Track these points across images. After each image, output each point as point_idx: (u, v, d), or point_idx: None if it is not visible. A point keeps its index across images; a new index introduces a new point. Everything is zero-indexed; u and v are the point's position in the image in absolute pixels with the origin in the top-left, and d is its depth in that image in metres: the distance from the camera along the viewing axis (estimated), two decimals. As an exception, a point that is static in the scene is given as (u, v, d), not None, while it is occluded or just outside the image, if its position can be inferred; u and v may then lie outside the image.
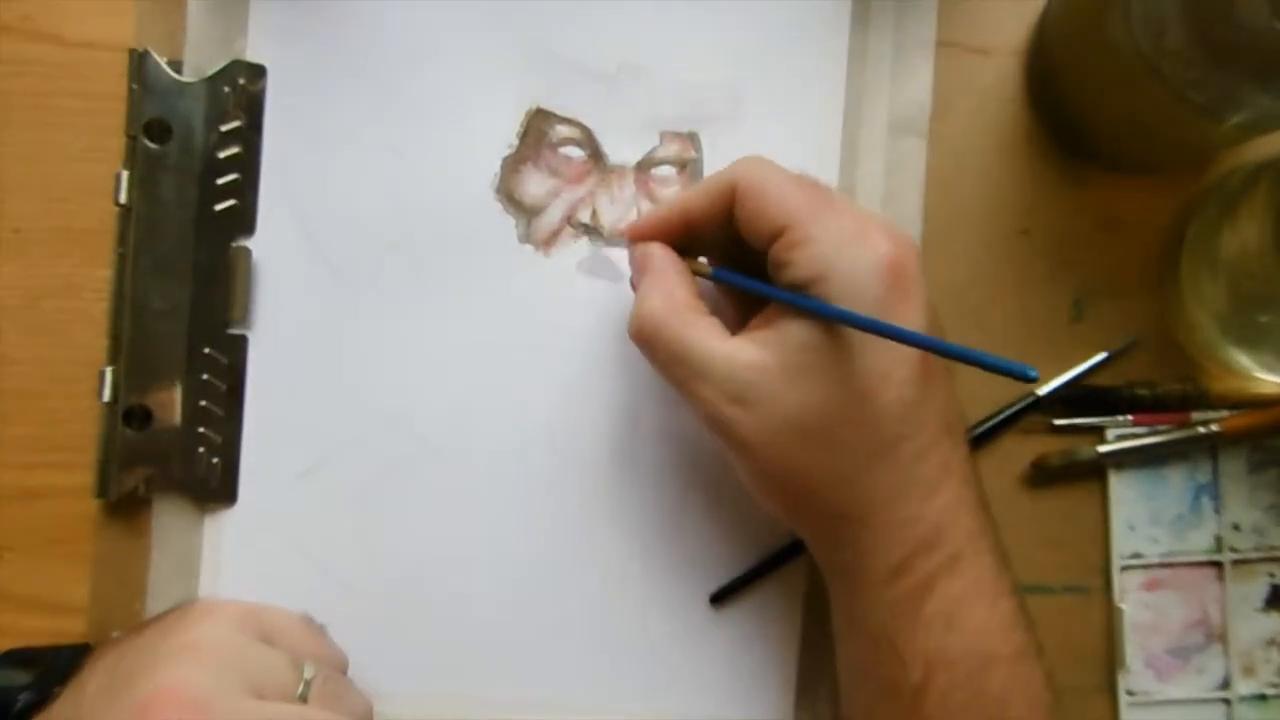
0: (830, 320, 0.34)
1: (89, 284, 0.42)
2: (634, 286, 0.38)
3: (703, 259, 0.39)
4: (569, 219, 0.42)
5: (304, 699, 0.35)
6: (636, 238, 0.39)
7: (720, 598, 0.42)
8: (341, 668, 0.40)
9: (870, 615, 0.35)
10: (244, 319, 0.41)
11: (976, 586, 0.35)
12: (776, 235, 0.35)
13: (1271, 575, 0.43)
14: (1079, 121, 0.42)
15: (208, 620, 0.36)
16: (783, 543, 0.42)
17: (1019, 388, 0.43)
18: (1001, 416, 0.43)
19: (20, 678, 0.36)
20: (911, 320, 0.34)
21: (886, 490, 0.34)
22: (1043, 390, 0.43)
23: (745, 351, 0.35)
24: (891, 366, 0.34)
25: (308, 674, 0.35)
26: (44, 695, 0.35)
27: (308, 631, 0.40)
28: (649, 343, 0.36)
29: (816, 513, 0.36)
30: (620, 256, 0.42)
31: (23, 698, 0.35)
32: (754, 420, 0.34)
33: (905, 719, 0.35)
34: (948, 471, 0.35)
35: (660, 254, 0.38)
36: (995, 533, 0.36)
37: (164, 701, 0.32)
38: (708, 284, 0.39)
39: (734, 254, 0.38)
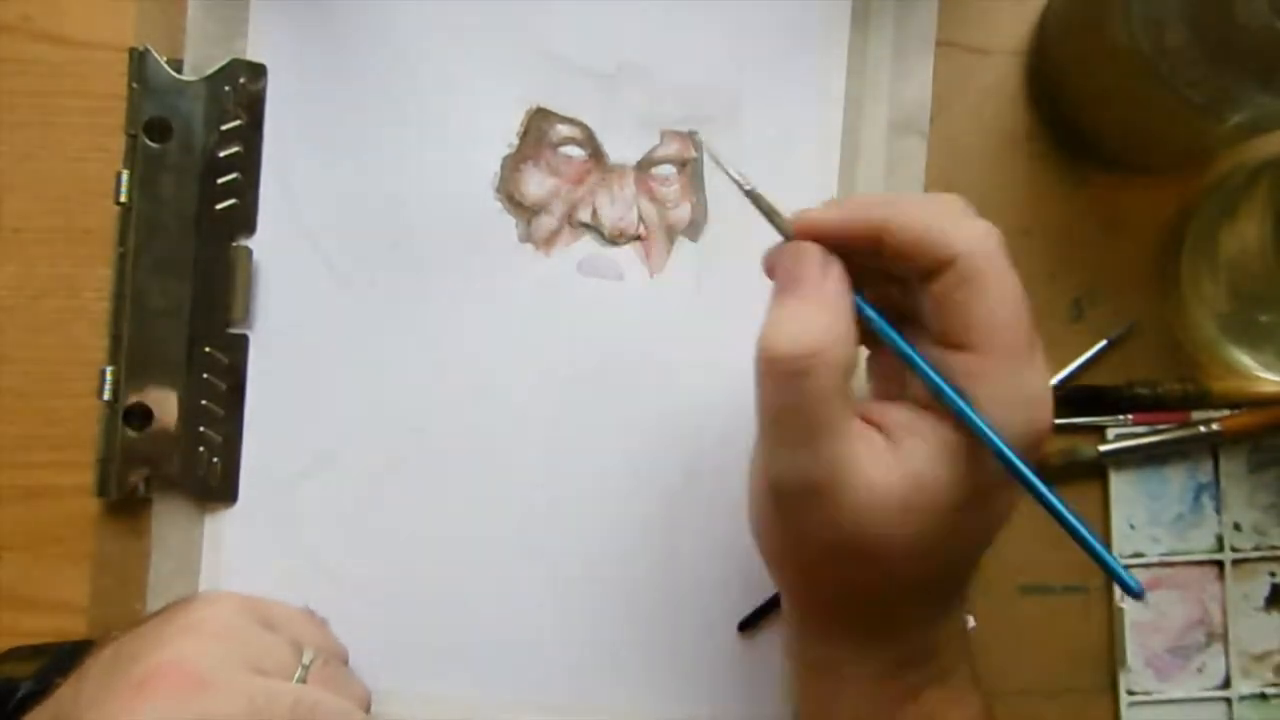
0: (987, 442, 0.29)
1: (89, 283, 0.42)
2: (779, 283, 0.31)
3: None
4: (569, 219, 0.42)
5: (302, 681, 0.35)
6: (809, 230, 0.31)
7: (748, 625, 0.42)
8: (342, 659, 0.40)
9: (846, 708, 0.33)
10: (244, 319, 0.41)
11: (957, 694, 0.33)
12: (964, 347, 0.30)
13: (1272, 574, 0.43)
14: (1079, 121, 0.42)
15: (209, 605, 0.37)
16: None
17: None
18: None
19: (23, 670, 0.36)
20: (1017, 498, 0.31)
21: (906, 614, 0.32)
22: None
23: (861, 454, 0.29)
24: (979, 538, 0.31)
25: (306, 659, 0.36)
26: (45, 685, 0.35)
27: (309, 622, 0.40)
28: (792, 377, 0.29)
29: (828, 614, 0.33)
30: (620, 256, 0.42)
31: (24, 687, 0.35)
32: (826, 518, 0.30)
33: None
34: (961, 602, 0.34)
35: (837, 279, 0.30)
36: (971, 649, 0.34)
37: (164, 675, 0.32)
38: None
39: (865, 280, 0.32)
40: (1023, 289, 0.30)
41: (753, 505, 0.33)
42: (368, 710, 0.38)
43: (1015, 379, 0.29)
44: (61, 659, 0.37)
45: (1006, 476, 0.29)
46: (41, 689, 0.35)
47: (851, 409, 0.30)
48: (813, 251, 0.31)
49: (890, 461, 0.29)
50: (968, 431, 0.30)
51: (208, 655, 0.33)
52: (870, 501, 0.29)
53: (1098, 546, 0.29)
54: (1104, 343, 0.43)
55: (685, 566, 0.42)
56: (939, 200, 0.31)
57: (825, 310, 0.30)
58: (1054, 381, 0.43)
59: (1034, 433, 0.30)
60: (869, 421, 0.31)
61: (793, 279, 0.31)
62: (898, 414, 0.31)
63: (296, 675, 0.35)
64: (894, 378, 0.32)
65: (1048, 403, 0.30)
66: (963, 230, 0.30)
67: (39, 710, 0.34)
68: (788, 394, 0.29)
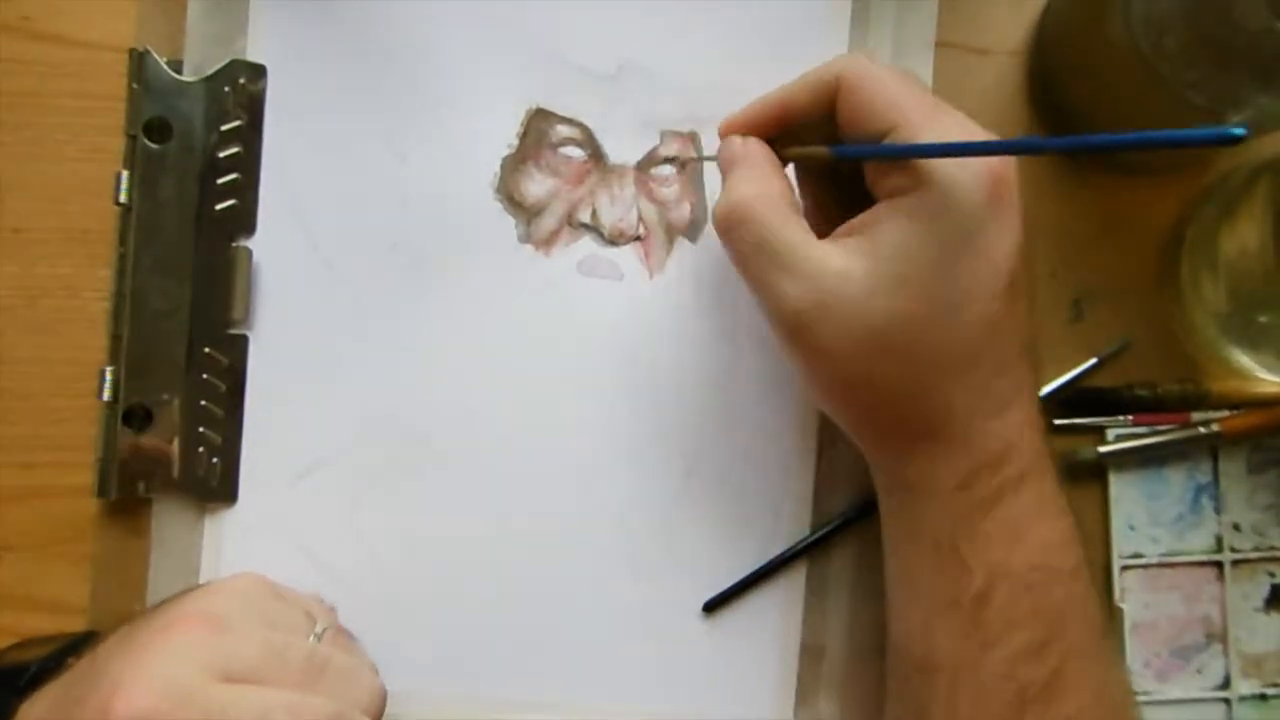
0: (933, 155, 0.33)
1: (89, 284, 0.42)
2: (723, 177, 0.37)
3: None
4: (569, 219, 0.42)
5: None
6: (729, 131, 0.38)
7: (714, 606, 0.42)
8: (350, 638, 0.40)
9: (933, 525, 0.35)
10: (244, 319, 0.41)
11: (1039, 503, 0.35)
12: (884, 133, 0.34)
13: (1271, 575, 0.43)
14: (1079, 122, 0.42)
15: (226, 579, 0.38)
16: (780, 545, 0.42)
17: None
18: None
19: (37, 652, 0.37)
20: (1007, 235, 0.34)
21: (962, 405, 0.34)
22: None
23: (835, 256, 0.34)
24: (981, 281, 0.33)
25: (319, 627, 0.36)
26: (58, 664, 0.35)
27: (320, 606, 0.40)
28: (736, 227, 0.35)
29: (886, 425, 0.36)
30: (620, 256, 0.42)
31: (35, 666, 0.35)
32: (835, 326, 0.34)
33: (965, 629, 0.34)
34: (1020, 390, 0.35)
35: (755, 147, 0.37)
36: (1054, 453, 0.36)
37: (188, 619, 0.33)
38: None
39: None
40: (901, 78, 0.35)
41: (798, 372, 0.37)
42: None
43: (936, 131, 0.33)
44: (75, 643, 0.37)
45: (979, 209, 0.33)
46: (54, 667, 0.35)
47: (804, 233, 0.35)
48: (731, 139, 0.37)
49: (863, 245, 0.34)
50: (918, 180, 0.33)
51: (228, 608, 0.34)
52: (850, 283, 0.33)
53: (1158, 135, 0.29)
54: (1094, 360, 0.43)
55: (685, 566, 0.42)
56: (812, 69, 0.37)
57: (748, 171, 0.36)
58: (1047, 391, 0.42)
59: (986, 172, 0.33)
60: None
61: (724, 163, 0.37)
62: (854, 222, 0.35)
63: (310, 639, 0.36)
64: (834, 221, 0.36)
65: (980, 137, 0.34)
66: (834, 63, 0.36)
67: (53, 684, 0.34)
68: (738, 242, 0.35)
